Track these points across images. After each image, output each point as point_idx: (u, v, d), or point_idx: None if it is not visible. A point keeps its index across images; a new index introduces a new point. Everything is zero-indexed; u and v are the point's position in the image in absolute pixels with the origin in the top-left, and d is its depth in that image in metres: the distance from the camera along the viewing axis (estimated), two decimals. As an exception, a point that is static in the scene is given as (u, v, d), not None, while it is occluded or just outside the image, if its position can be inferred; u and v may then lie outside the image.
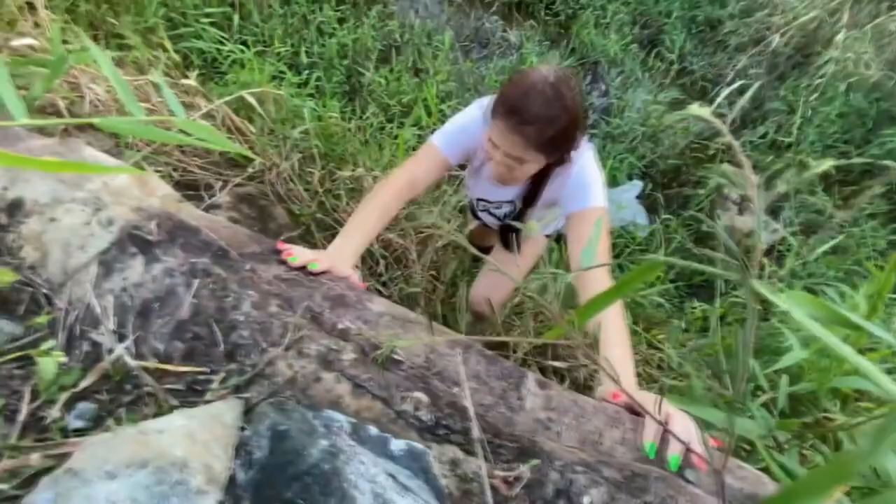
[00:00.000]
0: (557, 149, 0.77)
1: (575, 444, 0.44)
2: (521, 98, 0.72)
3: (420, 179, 0.87)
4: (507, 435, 0.43)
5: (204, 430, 0.29)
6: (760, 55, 3.39)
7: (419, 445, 0.37)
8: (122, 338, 0.41)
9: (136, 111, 0.41)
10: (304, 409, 0.36)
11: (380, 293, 1.52)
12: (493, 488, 0.39)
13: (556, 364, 1.28)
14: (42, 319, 0.40)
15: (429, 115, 2.24)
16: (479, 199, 1.05)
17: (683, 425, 0.46)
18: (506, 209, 1.04)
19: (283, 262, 0.55)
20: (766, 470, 0.50)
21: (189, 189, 1.56)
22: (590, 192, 0.81)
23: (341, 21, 2.64)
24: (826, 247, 1.84)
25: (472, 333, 1.34)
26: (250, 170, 1.66)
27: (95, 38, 2.04)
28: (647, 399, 0.48)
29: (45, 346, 0.37)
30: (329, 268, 0.59)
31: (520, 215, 0.99)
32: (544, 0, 3.22)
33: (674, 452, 0.44)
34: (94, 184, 0.48)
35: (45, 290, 0.43)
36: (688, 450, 0.44)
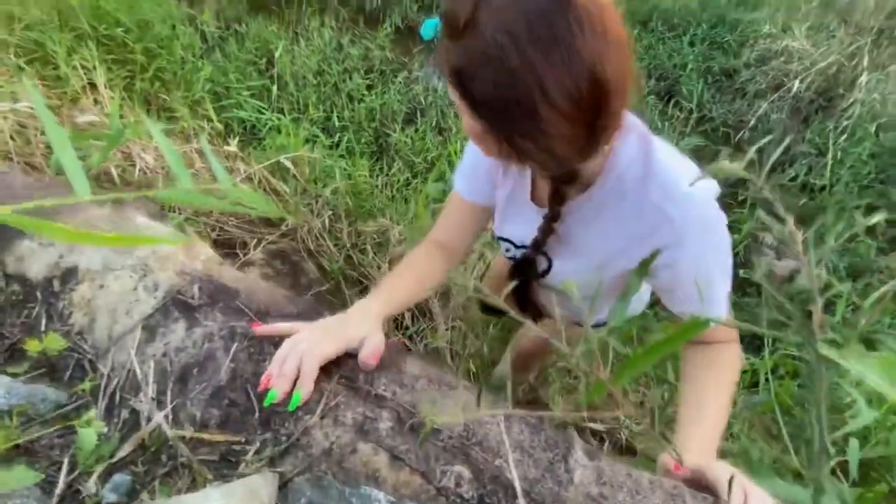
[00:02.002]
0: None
1: (632, 525, 0.40)
2: None
3: (452, 243, 0.71)
4: (556, 513, 0.40)
5: (247, 500, 0.28)
6: (781, 100, 3.41)
7: (464, 527, 0.34)
8: (160, 405, 0.41)
9: (186, 180, 0.43)
10: (341, 484, 0.34)
11: (406, 348, 1.49)
12: (545, 577, 0.35)
13: (595, 426, 1.20)
14: (85, 386, 0.41)
15: (453, 169, 2.31)
16: (500, 238, 0.74)
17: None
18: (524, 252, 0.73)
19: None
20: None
21: (225, 247, 1.62)
22: (710, 289, 0.52)
23: (369, 87, 2.82)
24: (880, 293, 1.73)
25: (512, 387, 1.22)
26: (283, 227, 1.73)
27: (148, 112, 2.23)
28: (718, 472, 0.44)
29: (86, 416, 0.37)
30: (334, 352, 0.45)
31: (535, 250, 0.65)
32: (561, 59, 3.37)
33: None
34: (143, 250, 0.50)
35: (90, 356, 0.44)
36: None
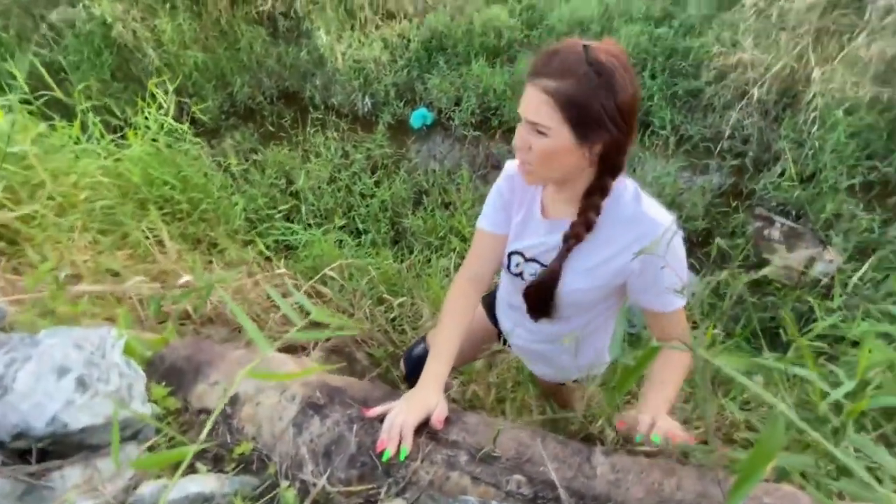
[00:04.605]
0: (587, 122, 0.65)
1: (641, 495, 0.59)
2: (549, 54, 0.66)
3: (481, 274, 0.89)
4: (589, 497, 0.59)
5: None
6: (749, 107, 3.65)
7: (526, 508, 0.54)
8: (319, 475, 0.63)
9: (297, 319, 0.68)
10: (446, 497, 0.55)
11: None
12: (588, 537, 0.54)
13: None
14: (271, 470, 0.63)
15: (462, 240, 2.58)
16: (512, 253, 0.88)
17: (666, 424, 0.62)
18: (542, 260, 0.84)
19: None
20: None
21: (289, 352, 1.87)
22: (672, 285, 0.71)
23: (377, 183, 3.20)
24: (867, 266, 1.86)
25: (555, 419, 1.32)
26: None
27: (198, 247, 2.59)
28: (643, 417, 0.64)
29: (283, 486, 0.60)
30: (418, 419, 0.66)
31: (567, 249, 0.78)
32: (538, 120, 3.74)
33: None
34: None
35: (265, 452, 0.66)
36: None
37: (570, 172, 0.73)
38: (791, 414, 0.40)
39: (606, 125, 0.66)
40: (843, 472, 0.88)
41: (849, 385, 1.02)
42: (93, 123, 2.48)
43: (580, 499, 0.58)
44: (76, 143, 2.26)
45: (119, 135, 2.47)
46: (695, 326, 2.20)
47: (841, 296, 1.91)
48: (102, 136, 2.39)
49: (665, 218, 0.75)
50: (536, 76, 0.66)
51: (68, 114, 2.97)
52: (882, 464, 0.59)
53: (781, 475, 0.86)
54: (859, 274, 1.87)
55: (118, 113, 3.45)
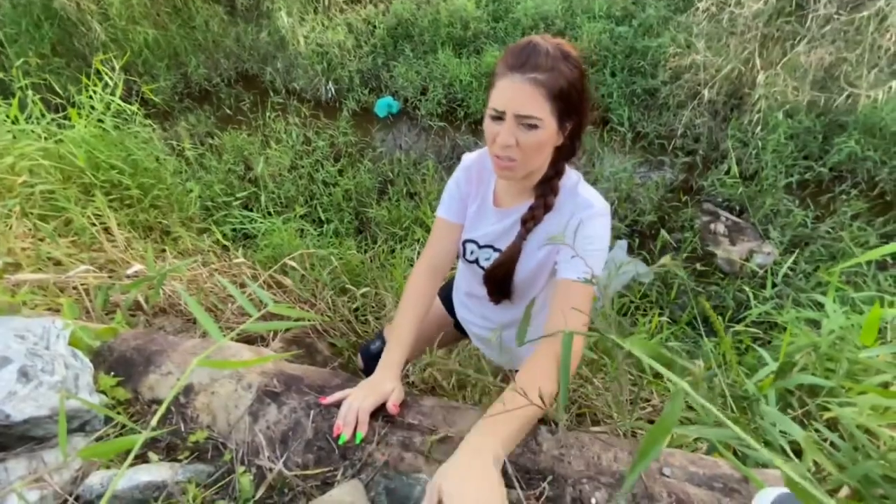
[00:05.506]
0: (569, 111, 0.71)
1: (582, 467, 0.64)
2: (526, 49, 0.69)
3: (440, 262, 0.91)
4: (534, 471, 0.64)
5: (352, 493, 0.51)
6: (700, 107, 3.83)
7: (475, 483, 0.58)
8: (275, 460, 0.64)
9: (253, 312, 0.68)
10: (400, 476, 0.57)
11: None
12: (532, 508, 0.58)
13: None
14: (227, 458, 0.64)
15: (427, 231, 2.60)
16: (466, 242, 0.93)
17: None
18: (496, 245, 0.88)
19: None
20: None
21: (248, 342, 1.84)
22: (588, 261, 0.71)
23: (341, 172, 3.15)
24: (795, 256, 2.02)
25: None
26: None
27: (150, 235, 2.48)
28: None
29: (240, 471, 0.60)
30: (374, 405, 0.67)
31: (525, 231, 0.81)
32: (502, 112, 3.78)
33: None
34: (233, 363, 0.74)
35: (220, 440, 0.67)
36: None
37: (544, 160, 0.78)
38: (689, 390, 0.45)
39: (578, 110, 0.73)
40: (765, 442, 0.97)
41: (772, 366, 1.12)
42: (32, 102, 2.32)
43: (526, 472, 0.62)
44: (14, 123, 2.12)
45: (61, 114, 2.32)
46: (644, 314, 2.32)
47: (774, 286, 2.07)
48: (43, 115, 2.24)
49: (598, 201, 0.79)
50: (519, 70, 0.68)
51: (5, 91, 2.75)
52: (790, 432, 0.66)
53: (712, 448, 0.94)
54: (788, 264, 2.03)
55: (60, 91, 3.23)
